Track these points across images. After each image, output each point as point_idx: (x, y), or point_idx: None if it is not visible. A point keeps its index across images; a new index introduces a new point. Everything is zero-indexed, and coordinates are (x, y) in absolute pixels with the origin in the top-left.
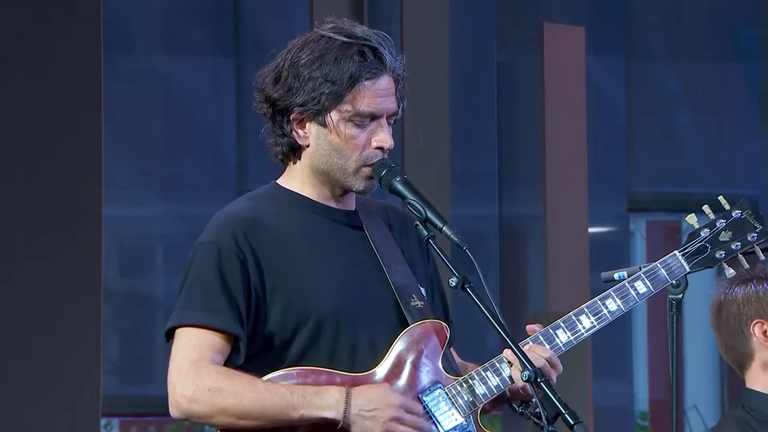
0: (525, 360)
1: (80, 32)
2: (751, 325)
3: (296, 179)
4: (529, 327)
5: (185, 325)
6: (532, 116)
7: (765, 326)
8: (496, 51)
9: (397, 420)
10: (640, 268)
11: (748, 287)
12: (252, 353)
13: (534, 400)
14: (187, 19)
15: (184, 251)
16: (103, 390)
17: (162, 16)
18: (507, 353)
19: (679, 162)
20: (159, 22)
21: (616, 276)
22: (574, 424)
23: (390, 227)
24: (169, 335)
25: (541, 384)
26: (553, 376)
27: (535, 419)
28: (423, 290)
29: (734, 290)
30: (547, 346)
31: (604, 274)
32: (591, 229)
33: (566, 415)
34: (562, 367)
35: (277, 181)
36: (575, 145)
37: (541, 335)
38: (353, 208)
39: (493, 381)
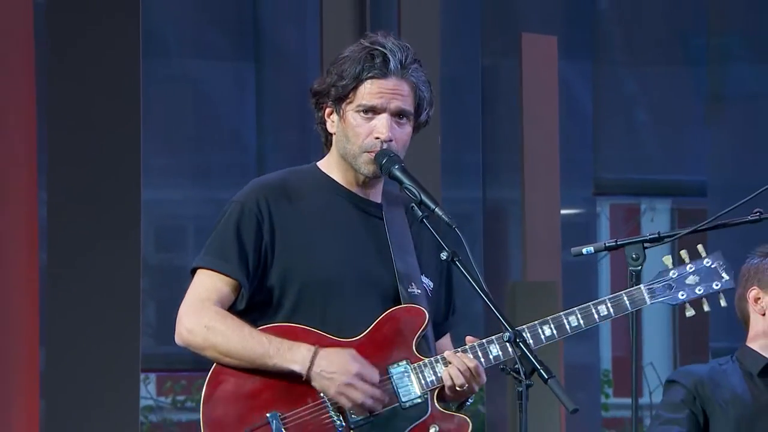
0: (505, 322)
1: (122, 42)
2: (749, 291)
3: (329, 163)
4: (468, 338)
5: (203, 266)
6: (512, 114)
7: (759, 294)
8: (480, 57)
9: (350, 385)
10: (605, 245)
11: (764, 260)
12: (254, 303)
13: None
14: (213, 29)
15: (209, 228)
16: (142, 349)
17: (192, 27)
18: (448, 354)
19: (637, 152)
20: (189, 32)
21: (584, 251)
22: (548, 378)
23: (410, 222)
24: (192, 273)
25: (519, 344)
26: (475, 387)
27: (515, 374)
28: (427, 280)
29: (754, 260)
30: (479, 359)
31: (573, 249)
32: (562, 211)
33: (541, 371)
34: (485, 379)
35: (317, 163)
36: (549, 139)
37: (496, 340)
38: (378, 200)
39: (433, 373)
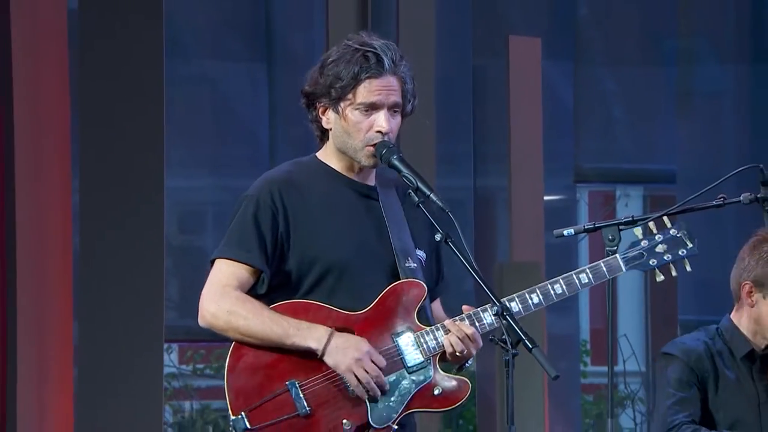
0: (493, 297)
1: (146, 45)
2: (743, 283)
3: (327, 154)
4: (464, 307)
5: (223, 256)
6: (500, 109)
7: (752, 290)
8: (471, 58)
9: (360, 362)
10: (584, 227)
11: (762, 254)
12: (274, 285)
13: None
14: (229, 33)
15: (228, 214)
16: (165, 322)
17: (210, 31)
18: (448, 322)
19: (614, 145)
20: (207, 36)
21: (565, 233)
22: (532, 347)
23: (402, 201)
24: (211, 264)
25: (506, 317)
26: (473, 351)
27: (502, 344)
28: (421, 253)
29: (765, 244)
30: (476, 325)
31: (556, 231)
32: (545, 197)
33: (526, 341)
34: (482, 344)
35: (316, 154)
36: (533, 132)
37: (515, 301)
38: (373, 183)
39: (435, 340)
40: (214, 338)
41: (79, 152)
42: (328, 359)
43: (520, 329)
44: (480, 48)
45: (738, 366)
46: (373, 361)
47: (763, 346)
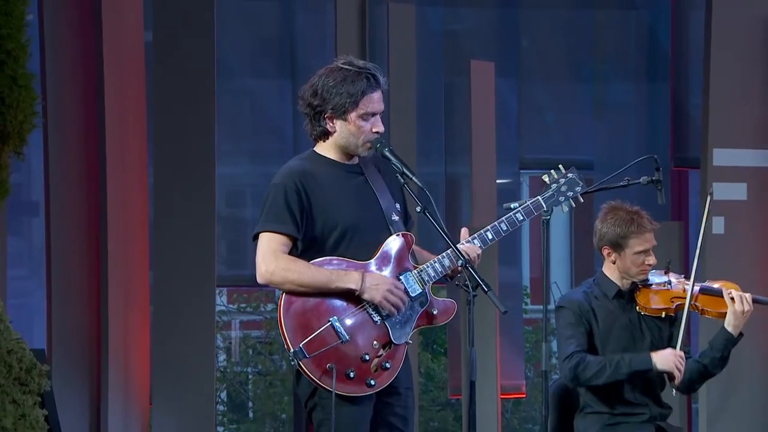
0: (461, 254)
1: (202, 65)
2: (602, 248)
3: (325, 149)
4: (462, 230)
5: (266, 230)
6: (464, 115)
7: (610, 251)
8: (443, 76)
9: (390, 291)
10: (524, 201)
11: (605, 223)
12: (304, 248)
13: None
14: (263, 56)
15: (262, 194)
16: (217, 272)
17: (248, 54)
18: (450, 251)
19: (547, 141)
20: (246, 58)
21: (511, 206)
22: (488, 290)
23: (379, 171)
24: (254, 238)
25: (468, 267)
26: (477, 261)
27: (465, 288)
28: (398, 205)
29: (609, 216)
30: (478, 245)
31: (504, 204)
32: (497, 181)
33: (483, 285)
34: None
35: (314, 149)
36: (488, 132)
37: (477, 237)
38: (356, 163)
39: (438, 268)
40: (253, 284)
41: (153, 146)
42: (366, 295)
43: (479, 277)
44: (449, 69)
45: (611, 303)
46: (397, 287)
47: (628, 286)
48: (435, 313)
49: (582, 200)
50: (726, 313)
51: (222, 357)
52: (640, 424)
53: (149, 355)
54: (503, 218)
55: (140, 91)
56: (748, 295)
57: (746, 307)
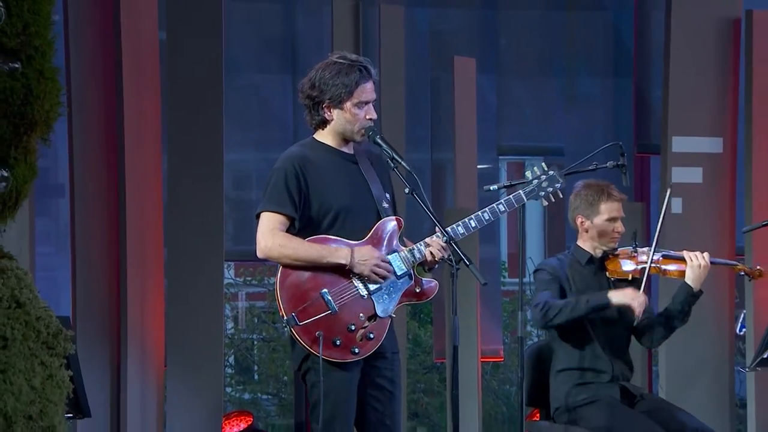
0: (445, 232)
1: (211, 62)
2: (575, 218)
3: (324, 136)
4: (437, 230)
5: (267, 210)
6: (448, 106)
7: (583, 220)
8: (430, 71)
9: (377, 265)
10: (503, 184)
11: (579, 194)
12: (301, 227)
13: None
14: (266, 53)
15: (266, 178)
16: (225, 247)
17: (253, 51)
18: (428, 240)
19: (523, 129)
20: (252, 55)
21: (491, 188)
22: (469, 264)
23: (371, 162)
24: (257, 216)
25: (451, 243)
26: (444, 255)
27: (449, 262)
28: (388, 195)
29: (582, 189)
30: (442, 241)
31: (485, 187)
32: (478, 166)
33: (465, 260)
34: (448, 253)
35: (314, 136)
36: (470, 122)
37: (462, 224)
38: (352, 152)
39: (423, 250)
40: (257, 260)
41: (167, 134)
42: (355, 269)
43: (462, 252)
44: (435, 65)
45: (584, 269)
46: (384, 260)
47: (600, 254)
48: (418, 291)
49: (561, 196)
50: (686, 272)
51: (230, 325)
52: (605, 384)
53: (164, 323)
54: (486, 208)
55: (155, 84)
56: (705, 254)
57: (703, 263)
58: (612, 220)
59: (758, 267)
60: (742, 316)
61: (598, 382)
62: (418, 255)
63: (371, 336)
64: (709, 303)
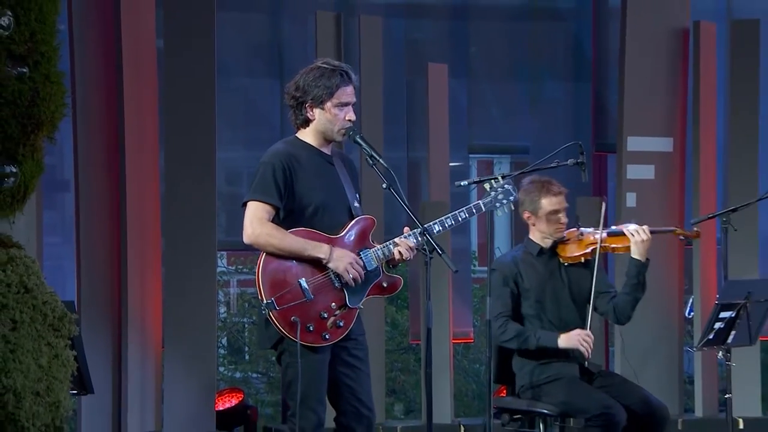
0: (419, 224)
1: (204, 66)
2: (523, 213)
3: (306, 136)
4: (405, 228)
5: (254, 199)
6: (422, 108)
7: (529, 215)
8: (405, 76)
9: (351, 264)
10: (473, 180)
11: (525, 189)
12: (283, 217)
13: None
14: (254, 58)
15: (253, 178)
16: (218, 237)
17: (243, 57)
18: (397, 239)
19: (492, 130)
20: (242, 61)
21: (462, 183)
22: (442, 253)
23: (343, 164)
24: (243, 204)
25: (426, 235)
26: (410, 256)
27: (423, 252)
28: (358, 197)
29: (526, 186)
30: (413, 242)
31: (456, 183)
32: (450, 164)
33: (438, 249)
34: (416, 252)
35: (296, 135)
36: (442, 122)
37: (438, 222)
38: (329, 153)
39: (392, 248)
40: (248, 249)
41: (164, 134)
42: (331, 264)
43: (435, 242)
44: (410, 70)
45: (536, 261)
46: (357, 263)
47: (549, 245)
48: (385, 286)
49: (513, 208)
50: (630, 248)
51: (222, 309)
52: (566, 363)
53: (161, 308)
54: (449, 215)
55: (153, 88)
56: (645, 227)
57: (644, 237)
58: (554, 212)
59: (695, 229)
60: (690, 301)
61: (558, 361)
62: (387, 253)
63: (340, 324)
64: (661, 289)
